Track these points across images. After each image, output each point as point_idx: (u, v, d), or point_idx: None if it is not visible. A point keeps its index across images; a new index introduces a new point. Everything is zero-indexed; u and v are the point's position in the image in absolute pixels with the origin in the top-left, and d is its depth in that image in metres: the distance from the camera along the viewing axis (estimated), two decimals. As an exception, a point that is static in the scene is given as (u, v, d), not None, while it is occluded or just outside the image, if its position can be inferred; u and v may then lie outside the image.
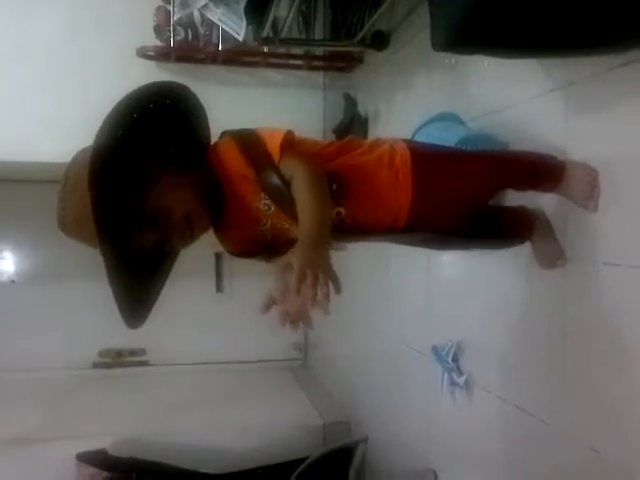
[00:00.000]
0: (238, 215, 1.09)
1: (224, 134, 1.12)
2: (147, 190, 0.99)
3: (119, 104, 1.00)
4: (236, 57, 2.75)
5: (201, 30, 2.64)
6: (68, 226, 1.00)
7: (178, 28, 2.60)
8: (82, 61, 2.76)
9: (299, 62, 2.87)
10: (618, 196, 1.18)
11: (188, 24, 2.62)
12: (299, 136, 1.11)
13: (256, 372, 3.64)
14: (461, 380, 1.74)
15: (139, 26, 2.68)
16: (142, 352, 3.72)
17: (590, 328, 1.26)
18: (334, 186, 1.06)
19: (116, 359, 3.68)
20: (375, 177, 1.11)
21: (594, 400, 1.25)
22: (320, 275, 0.86)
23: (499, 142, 1.52)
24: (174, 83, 1.09)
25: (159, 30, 2.65)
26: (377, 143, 1.18)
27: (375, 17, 2.21)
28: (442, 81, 1.93)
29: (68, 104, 2.70)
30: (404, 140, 1.20)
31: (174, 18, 2.48)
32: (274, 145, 1.02)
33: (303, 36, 2.65)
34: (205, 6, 2.00)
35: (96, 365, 3.66)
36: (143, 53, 2.65)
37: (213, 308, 3.73)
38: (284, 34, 2.36)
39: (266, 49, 2.65)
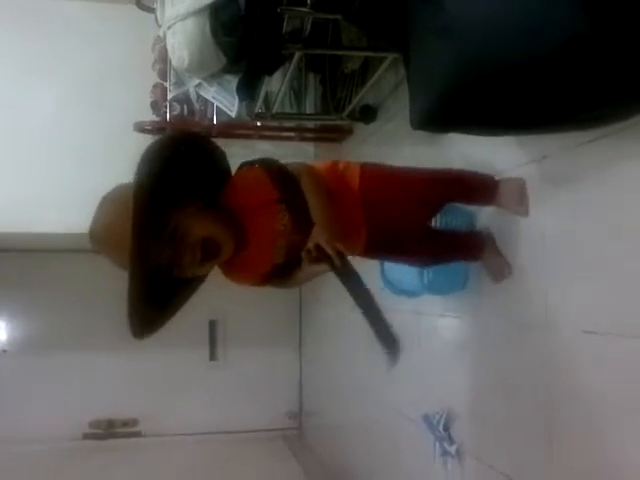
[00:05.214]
0: (259, 241, 1.23)
1: (243, 165, 1.32)
2: (174, 211, 1.14)
3: (169, 137, 1.23)
4: (230, 130, 2.85)
5: (196, 105, 2.74)
6: (97, 236, 1.13)
7: (174, 104, 2.71)
8: (81, 135, 2.87)
9: (291, 134, 2.98)
10: (588, 262, 1.23)
11: (184, 100, 2.72)
12: None
13: (250, 442, 3.58)
14: (452, 449, 1.72)
15: (136, 102, 2.80)
16: (134, 422, 3.66)
17: (575, 395, 1.27)
18: None
19: (107, 430, 3.62)
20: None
21: (582, 470, 1.25)
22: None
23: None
24: (211, 139, 1.34)
25: (156, 106, 2.77)
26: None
27: (362, 92, 2.31)
28: (427, 152, 2.00)
29: (66, 177, 2.78)
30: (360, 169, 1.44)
31: (170, 95, 2.58)
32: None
33: (294, 110, 2.75)
34: (199, 85, 2.09)
35: (87, 436, 3.60)
36: (140, 128, 2.75)
37: (207, 376, 3.71)
38: (276, 109, 2.46)
39: (259, 123, 2.75)
